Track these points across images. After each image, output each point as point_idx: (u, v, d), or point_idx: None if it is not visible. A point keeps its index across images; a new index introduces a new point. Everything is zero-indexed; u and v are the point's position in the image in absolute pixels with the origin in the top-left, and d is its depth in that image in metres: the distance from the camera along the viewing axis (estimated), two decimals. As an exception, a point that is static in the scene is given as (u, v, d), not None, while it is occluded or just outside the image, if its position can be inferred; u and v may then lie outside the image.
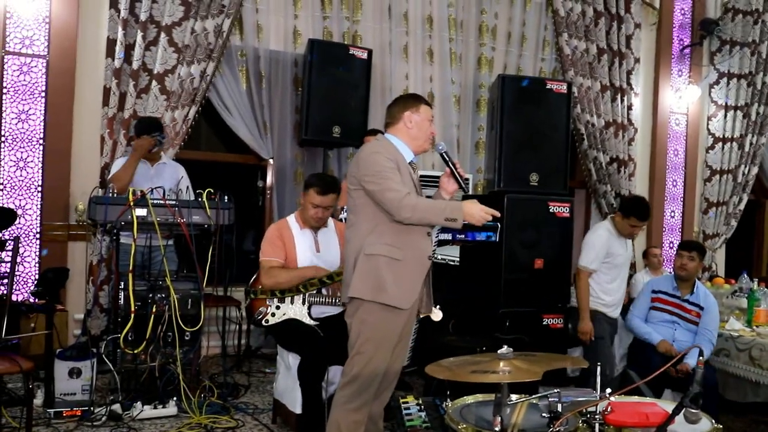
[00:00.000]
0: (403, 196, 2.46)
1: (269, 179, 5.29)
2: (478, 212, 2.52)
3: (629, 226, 4.01)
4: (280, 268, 3.31)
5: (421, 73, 5.60)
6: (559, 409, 1.87)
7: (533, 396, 1.98)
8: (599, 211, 6.40)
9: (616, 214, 4.11)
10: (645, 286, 4.27)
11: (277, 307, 3.32)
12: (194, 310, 3.54)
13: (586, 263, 4.04)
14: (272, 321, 3.32)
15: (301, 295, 3.31)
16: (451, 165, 2.70)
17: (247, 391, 4.08)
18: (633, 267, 6.42)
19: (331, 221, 3.49)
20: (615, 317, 4.16)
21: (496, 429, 1.82)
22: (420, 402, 3.30)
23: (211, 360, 4.67)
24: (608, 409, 2.09)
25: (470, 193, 5.31)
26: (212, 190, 3.61)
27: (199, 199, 3.56)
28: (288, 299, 3.32)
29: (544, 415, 1.91)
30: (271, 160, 5.18)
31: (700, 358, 1.80)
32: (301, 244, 3.37)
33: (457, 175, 2.70)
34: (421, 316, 2.90)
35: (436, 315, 3.12)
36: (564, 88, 4.80)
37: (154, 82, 4.64)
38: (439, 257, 4.67)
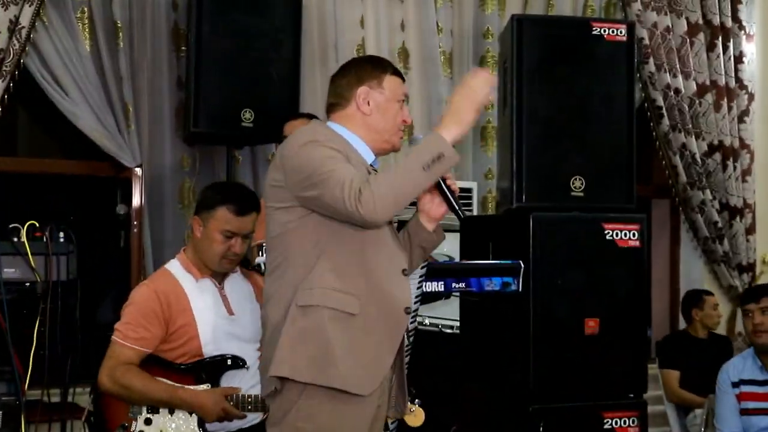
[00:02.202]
0: (358, 187, 2.47)
1: (136, 201, 5.18)
2: (466, 110, 2.55)
3: None
4: (137, 371, 3.29)
5: (386, 17, 5.62)
6: None
7: None
8: (694, 234, 6.39)
9: None
10: (720, 381, 4.31)
11: (147, 422, 3.30)
12: (8, 430, 3.44)
13: None
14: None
15: None
16: None
17: None
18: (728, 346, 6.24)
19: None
20: None
21: None
22: None
23: None
24: None
25: (475, 213, 5.29)
26: (37, 224, 3.55)
27: (15, 239, 3.50)
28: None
29: None
30: (138, 170, 5.07)
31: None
32: (201, 306, 3.41)
33: (445, 189, 2.75)
34: (390, 421, 2.98)
35: (416, 416, 3.16)
36: (624, 32, 4.73)
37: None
38: (427, 322, 4.66)
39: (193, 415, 3.31)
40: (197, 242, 3.46)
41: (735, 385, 4.18)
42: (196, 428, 3.30)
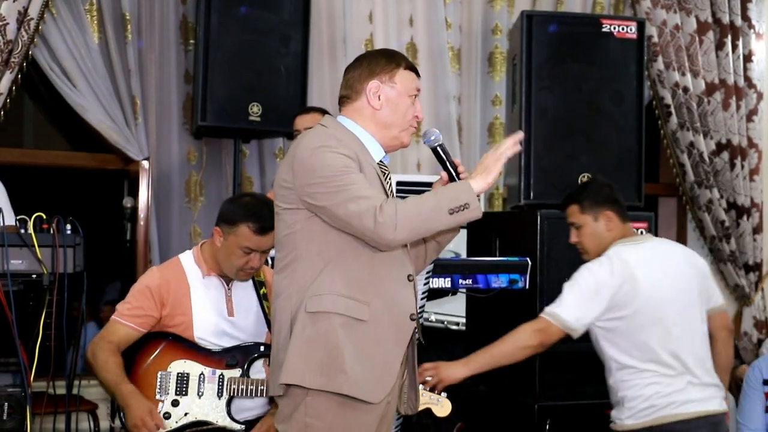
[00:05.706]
0: (378, 205, 2.52)
1: (143, 194, 5.20)
2: (493, 165, 2.62)
3: None
4: (113, 350, 3.34)
5: (395, 12, 5.64)
6: None
7: None
8: (701, 233, 6.38)
9: None
10: (749, 377, 4.29)
11: (174, 403, 3.34)
12: (14, 422, 3.39)
13: None
14: (167, 429, 3.32)
15: (216, 378, 3.39)
16: (449, 166, 2.78)
17: None
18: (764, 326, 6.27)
19: None
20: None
21: None
22: None
23: None
24: None
25: (483, 209, 5.19)
26: (44, 216, 3.48)
27: (23, 231, 3.44)
28: (192, 385, 3.35)
29: None
30: (145, 163, 5.11)
31: None
32: (203, 300, 3.45)
33: (456, 179, 2.78)
34: (398, 414, 2.96)
35: (443, 407, 3.32)
36: (633, 30, 4.83)
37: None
38: (432, 318, 4.69)
39: (222, 398, 3.35)
40: (216, 251, 3.48)
41: (766, 383, 4.15)
42: (224, 410, 3.34)
